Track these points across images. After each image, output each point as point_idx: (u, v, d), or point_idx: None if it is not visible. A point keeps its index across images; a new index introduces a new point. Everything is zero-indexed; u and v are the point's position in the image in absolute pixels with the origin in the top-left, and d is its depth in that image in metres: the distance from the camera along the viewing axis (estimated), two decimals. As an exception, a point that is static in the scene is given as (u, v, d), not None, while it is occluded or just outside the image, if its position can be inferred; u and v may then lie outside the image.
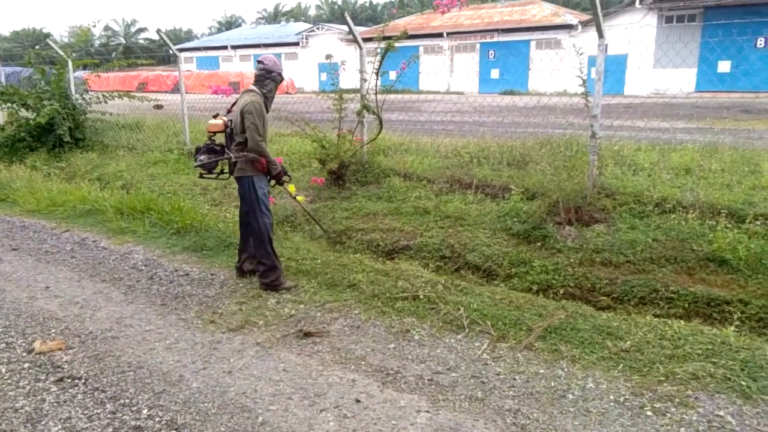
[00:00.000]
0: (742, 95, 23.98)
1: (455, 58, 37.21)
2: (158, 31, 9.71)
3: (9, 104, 11.53)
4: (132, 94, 12.36)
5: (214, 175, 5.14)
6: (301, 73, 43.51)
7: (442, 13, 7.25)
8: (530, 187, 6.40)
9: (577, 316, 4.14)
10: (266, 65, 4.93)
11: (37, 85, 12.42)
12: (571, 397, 3.26)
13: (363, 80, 7.61)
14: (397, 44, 6.82)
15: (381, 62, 6.60)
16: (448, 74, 36.62)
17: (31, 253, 6.17)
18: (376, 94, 6.92)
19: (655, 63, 28.12)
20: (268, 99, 4.94)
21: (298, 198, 6.26)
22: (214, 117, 5.09)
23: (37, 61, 13.18)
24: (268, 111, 4.96)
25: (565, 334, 3.93)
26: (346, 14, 7.66)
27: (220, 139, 5.10)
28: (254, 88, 4.95)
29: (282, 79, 5.04)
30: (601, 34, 5.92)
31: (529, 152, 7.56)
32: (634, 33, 30.11)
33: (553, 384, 3.39)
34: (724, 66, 29.14)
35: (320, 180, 7.14)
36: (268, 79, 4.93)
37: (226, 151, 4.90)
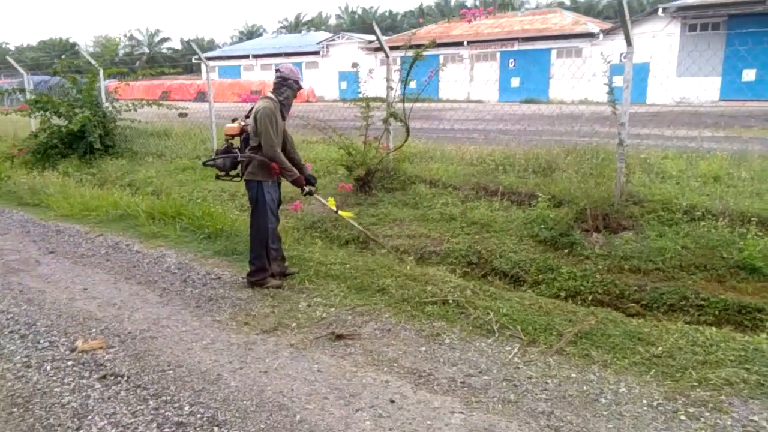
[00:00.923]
0: (763, 104, 23.66)
1: (475, 67, 37.27)
2: (188, 41, 9.97)
3: (42, 112, 11.83)
4: (160, 102, 12.59)
5: (229, 177, 5.31)
6: (321, 81, 43.89)
7: (468, 21, 7.33)
8: (557, 195, 6.42)
9: (607, 322, 4.17)
10: (283, 73, 5.09)
11: (68, 93, 12.74)
12: (603, 401, 3.29)
13: (390, 88, 7.73)
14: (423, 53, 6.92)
15: (409, 71, 6.69)
16: (468, 83, 36.69)
17: (67, 256, 6.34)
18: (403, 101, 7.00)
19: (678, 71, 27.93)
20: (284, 106, 5.08)
21: (341, 212, 6.12)
22: (232, 121, 5.28)
23: (68, 70, 13.52)
24: (284, 118, 5.13)
25: (596, 339, 3.96)
26: (373, 24, 7.77)
27: (235, 142, 5.28)
28: (271, 95, 5.12)
29: (299, 87, 5.17)
30: (629, 42, 5.95)
31: (555, 160, 7.59)
32: (658, 41, 29.94)
33: (585, 388, 3.42)
34: (749, 74, 28.82)
35: (348, 186, 7.23)
36: (284, 86, 5.07)
37: (236, 151, 5.06)
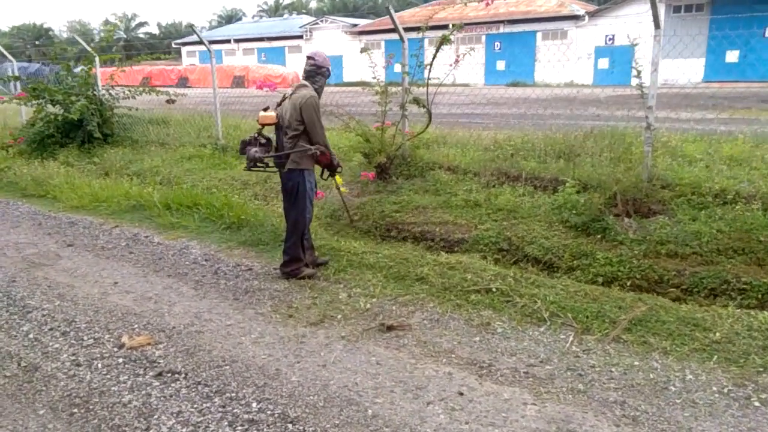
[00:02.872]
0: (749, 85, 23.87)
1: (461, 50, 37.10)
2: (191, 26, 9.69)
3: (39, 100, 11.52)
4: (158, 89, 12.32)
5: (261, 167, 5.20)
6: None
7: (487, 4, 7.25)
8: (582, 179, 6.39)
9: (658, 308, 4.17)
10: (317, 61, 5.02)
11: (63, 80, 12.42)
12: (673, 389, 3.29)
13: (405, 74, 7.61)
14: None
15: (435, 54, 6.59)
16: (454, 66, 36.51)
17: (87, 248, 6.19)
18: (426, 86, 6.92)
19: (663, 53, 28.05)
20: (318, 94, 5.03)
21: (342, 189, 6.27)
22: (265, 110, 5.12)
23: (61, 57, 13.18)
24: None
25: (651, 326, 3.95)
26: (389, 7, 7.63)
27: (265, 131, 5.19)
28: (306, 82, 5.02)
29: (330, 75, 5.15)
30: (657, 25, 5.91)
31: (574, 144, 7.55)
32: (642, 23, 29.97)
33: (651, 376, 3.41)
34: (732, 56, 29.10)
35: (371, 174, 7.14)
36: (318, 74, 5.03)
37: (302, 144, 4.91)
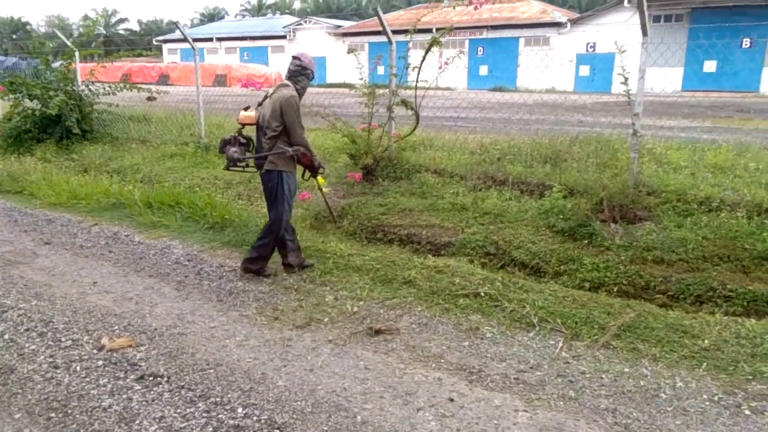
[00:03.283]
0: (730, 94, 24.31)
1: (444, 54, 37.22)
2: (175, 23, 9.55)
3: (16, 94, 11.25)
4: (139, 86, 12.12)
5: (240, 168, 5.15)
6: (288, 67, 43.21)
7: (476, 8, 7.24)
8: (569, 184, 6.39)
9: (646, 315, 4.16)
10: (303, 62, 4.99)
11: (41, 75, 12.16)
12: (664, 396, 3.27)
13: (393, 75, 7.57)
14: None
15: (424, 57, 6.56)
16: (437, 70, 36.63)
17: (65, 247, 6.03)
18: (415, 89, 6.89)
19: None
20: (300, 95, 4.98)
21: (323, 189, 6.14)
22: (245, 109, 5.08)
23: (39, 51, 12.91)
24: None
25: (640, 332, 3.94)
26: (378, 9, 7.58)
27: (245, 131, 5.16)
28: (288, 82, 4.98)
29: (313, 77, 5.12)
30: (645, 32, 5.95)
31: (560, 149, 7.57)
32: (625, 32, 30.33)
33: (642, 383, 3.39)
34: (710, 66, 29.56)
35: (358, 176, 7.06)
36: (302, 75, 5.00)
37: (280, 145, 4.84)
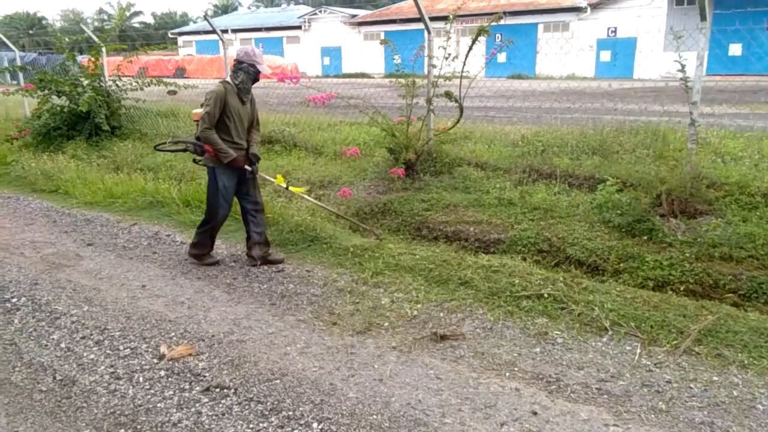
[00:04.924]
0: (755, 78, 23.65)
1: (461, 42, 36.75)
2: (204, 16, 9.39)
3: (45, 91, 11.19)
4: (165, 80, 11.99)
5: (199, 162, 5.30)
6: (303, 57, 43.03)
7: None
8: (621, 177, 6.16)
9: (726, 317, 3.95)
10: (237, 56, 5.01)
11: (68, 71, 12.10)
12: (761, 407, 3.07)
13: (432, 66, 7.36)
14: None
15: (471, 46, 6.34)
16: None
17: (108, 248, 5.93)
18: (461, 79, 6.68)
19: (665, 46, 27.77)
20: (240, 90, 4.99)
21: (291, 188, 5.80)
22: (201, 106, 5.09)
23: (68, 46, 12.83)
24: (244, 103, 5.05)
25: (722, 336, 3.73)
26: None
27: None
28: (228, 78, 5.14)
29: (255, 71, 5.01)
30: (704, 17, 5.67)
31: (606, 140, 7.32)
32: (645, 15, 29.69)
33: (735, 393, 3.20)
34: (735, 49, 28.87)
35: (401, 171, 6.87)
36: (239, 70, 4.99)
37: (180, 139, 5.13)
